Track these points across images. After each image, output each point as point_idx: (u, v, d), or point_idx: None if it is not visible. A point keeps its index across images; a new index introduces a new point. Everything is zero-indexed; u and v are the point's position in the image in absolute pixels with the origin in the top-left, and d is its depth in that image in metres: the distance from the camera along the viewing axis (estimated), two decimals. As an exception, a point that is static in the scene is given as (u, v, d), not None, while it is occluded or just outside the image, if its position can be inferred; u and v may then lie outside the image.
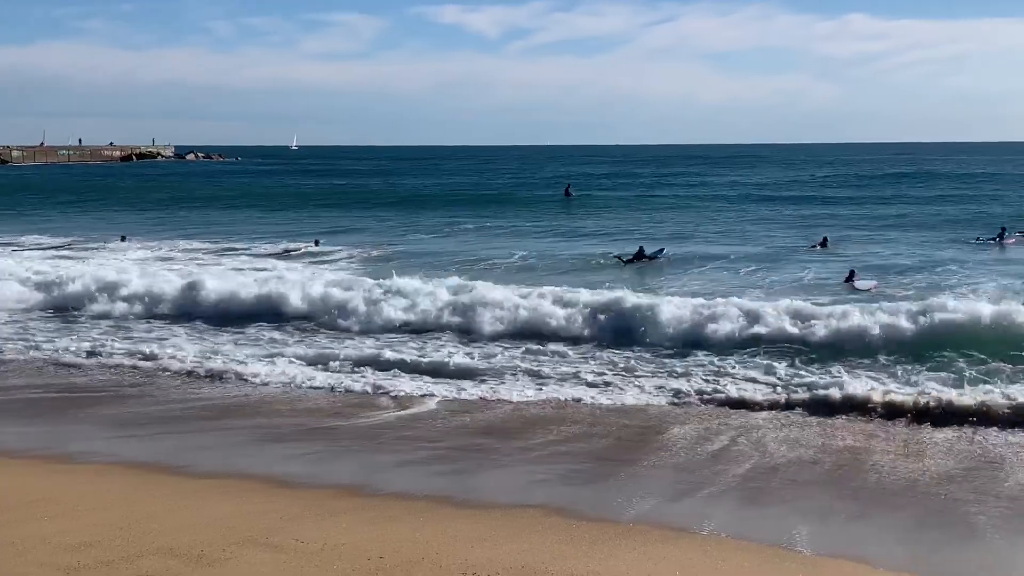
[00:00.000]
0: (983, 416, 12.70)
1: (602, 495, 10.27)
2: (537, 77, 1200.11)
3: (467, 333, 18.23)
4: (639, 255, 26.70)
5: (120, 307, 20.70)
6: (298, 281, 21.23)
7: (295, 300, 20.14)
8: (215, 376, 15.86)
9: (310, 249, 31.99)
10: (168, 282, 21.71)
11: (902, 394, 13.50)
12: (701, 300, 18.41)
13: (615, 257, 27.66)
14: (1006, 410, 12.74)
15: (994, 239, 32.29)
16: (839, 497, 10.16)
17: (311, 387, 15.18)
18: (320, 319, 19.48)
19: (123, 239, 34.79)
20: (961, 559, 8.69)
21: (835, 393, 13.64)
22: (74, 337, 18.41)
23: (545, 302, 18.93)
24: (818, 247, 30.91)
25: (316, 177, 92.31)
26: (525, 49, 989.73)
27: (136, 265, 25.77)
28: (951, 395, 13.29)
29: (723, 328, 16.89)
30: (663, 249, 28.17)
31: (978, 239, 32.71)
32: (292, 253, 31.35)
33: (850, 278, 23.54)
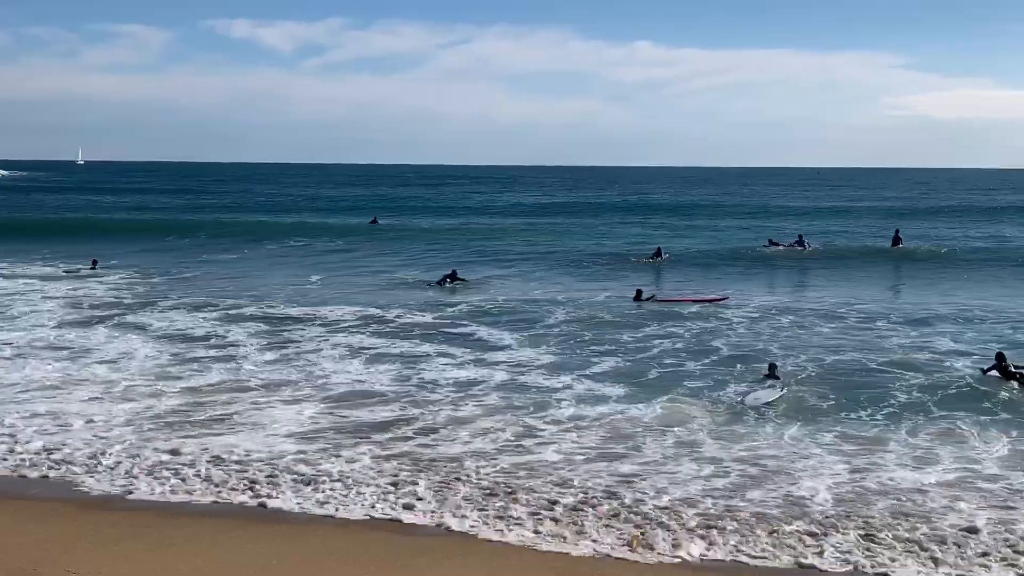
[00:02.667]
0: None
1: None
2: (335, 94, 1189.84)
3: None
4: (452, 276, 28.83)
5: None
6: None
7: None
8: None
9: (87, 271, 30.53)
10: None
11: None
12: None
13: (439, 280, 28.67)
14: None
15: (794, 244, 36.32)
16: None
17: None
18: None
19: None
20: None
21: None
22: None
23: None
24: (652, 259, 32.53)
25: (102, 194, 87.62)
26: (321, 66, 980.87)
27: None
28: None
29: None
30: (448, 277, 28.67)
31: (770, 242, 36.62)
32: (69, 274, 30.03)
33: (638, 297, 24.69)
